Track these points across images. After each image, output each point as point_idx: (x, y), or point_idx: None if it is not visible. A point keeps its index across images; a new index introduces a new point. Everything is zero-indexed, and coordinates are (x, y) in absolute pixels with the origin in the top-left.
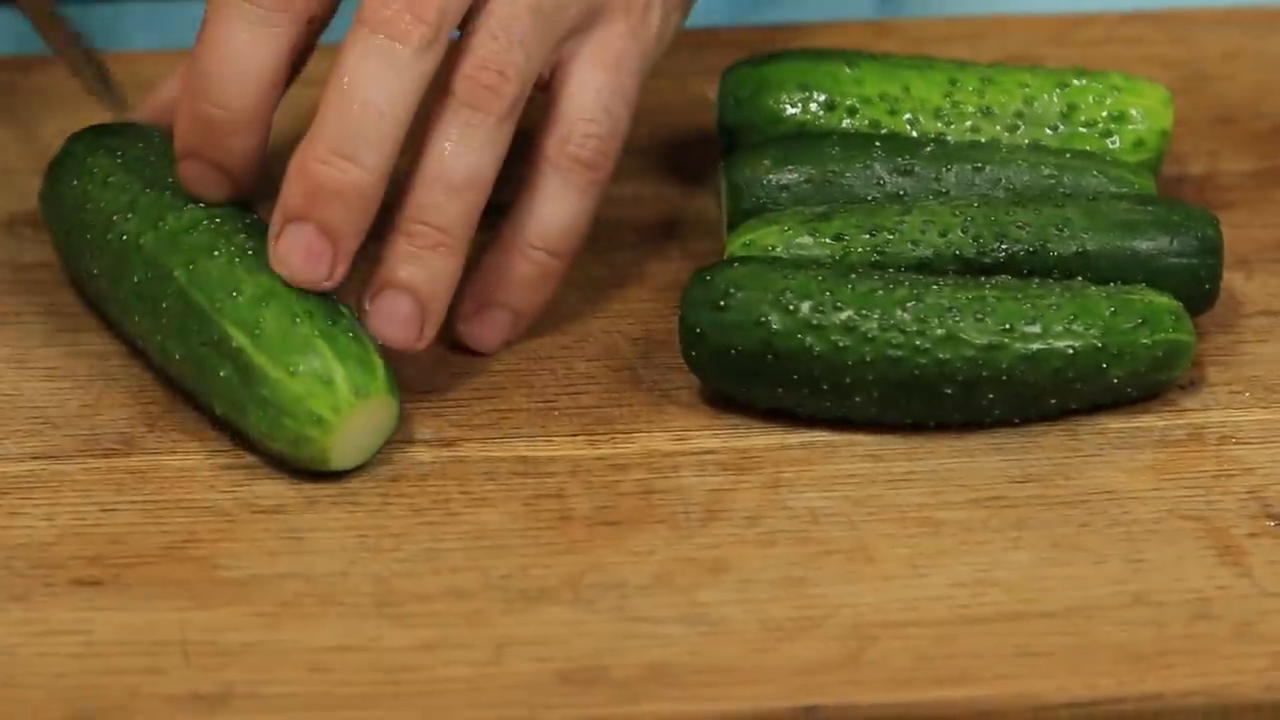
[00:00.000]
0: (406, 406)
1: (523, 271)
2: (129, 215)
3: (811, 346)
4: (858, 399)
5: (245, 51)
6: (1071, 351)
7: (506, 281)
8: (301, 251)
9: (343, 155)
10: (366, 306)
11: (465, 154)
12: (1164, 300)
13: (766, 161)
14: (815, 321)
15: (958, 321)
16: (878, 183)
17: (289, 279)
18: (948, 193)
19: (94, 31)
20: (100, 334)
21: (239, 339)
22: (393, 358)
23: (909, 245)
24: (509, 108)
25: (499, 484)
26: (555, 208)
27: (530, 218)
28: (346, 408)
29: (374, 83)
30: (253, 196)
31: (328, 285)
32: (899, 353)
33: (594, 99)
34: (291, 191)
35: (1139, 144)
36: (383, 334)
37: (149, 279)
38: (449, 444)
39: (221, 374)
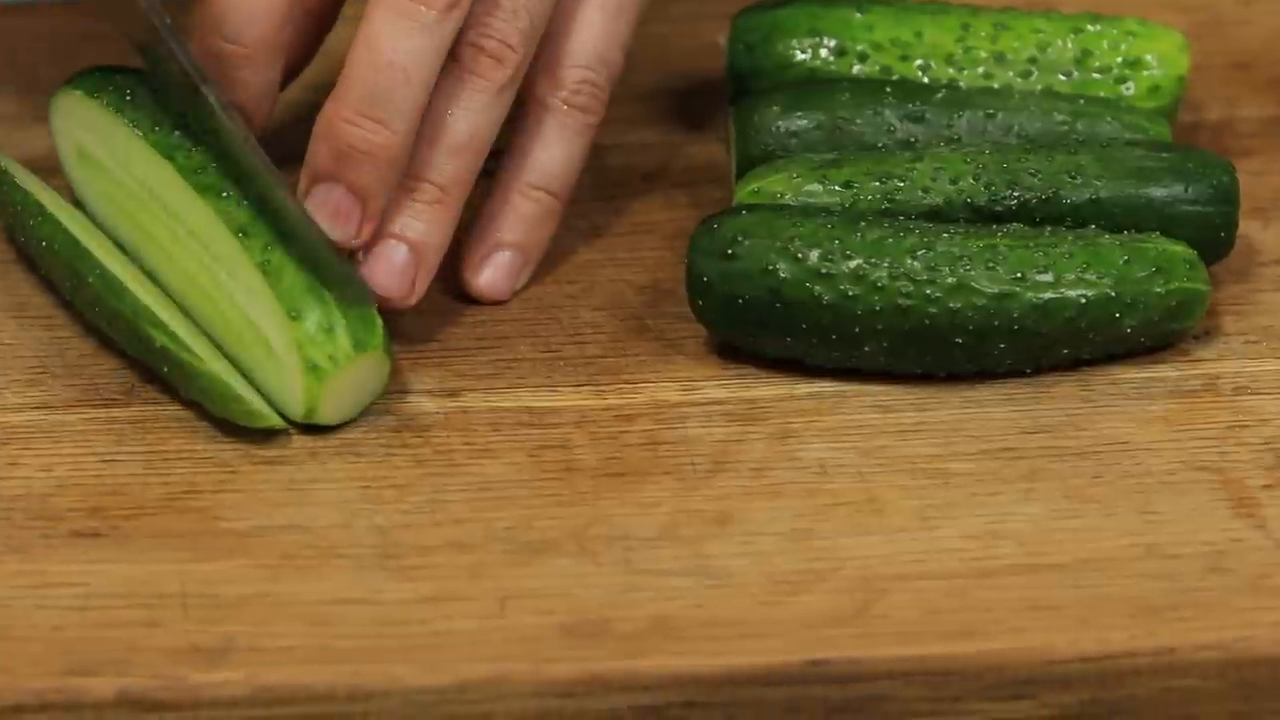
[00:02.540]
0: (411, 356)
1: (524, 211)
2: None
3: (820, 295)
4: (867, 349)
5: None
6: (1084, 301)
7: (509, 222)
8: (331, 211)
9: (372, 117)
10: (361, 257)
11: (466, 117)
12: (1178, 248)
13: (776, 108)
14: (824, 270)
15: (968, 270)
16: (888, 129)
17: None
18: (959, 140)
19: None
20: None
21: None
22: (394, 312)
23: (919, 193)
24: (511, 76)
25: (503, 435)
26: (552, 150)
27: (528, 160)
28: (345, 360)
29: (401, 44)
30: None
31: (357, 243)
32: (909, 302)
33: (591, 45)
34: (319, 151)
35: (1154, 90)
36: (377, 282)
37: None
38: (453, 394)
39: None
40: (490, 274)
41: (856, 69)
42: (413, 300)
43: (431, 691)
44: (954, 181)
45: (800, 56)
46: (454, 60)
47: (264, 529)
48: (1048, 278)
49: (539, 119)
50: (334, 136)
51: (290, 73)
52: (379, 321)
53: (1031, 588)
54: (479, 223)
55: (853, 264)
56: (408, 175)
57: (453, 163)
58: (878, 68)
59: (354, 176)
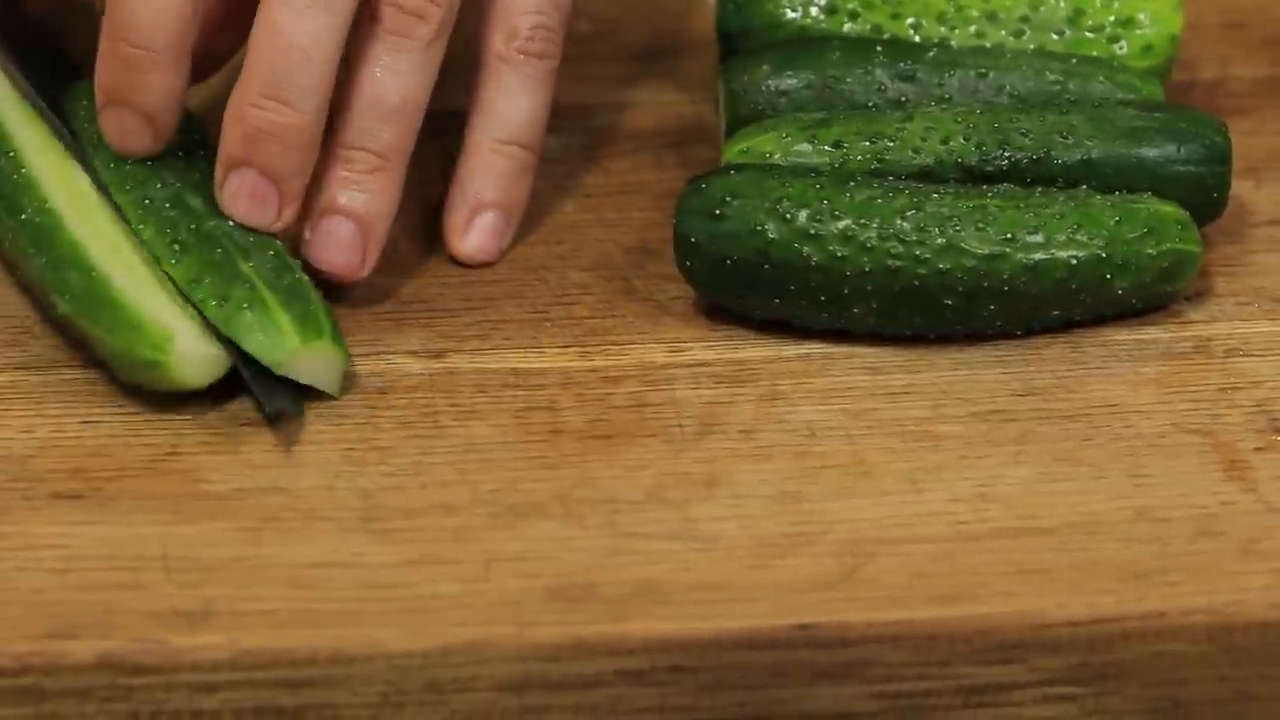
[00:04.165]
0: (395, 317)
1: (499, 169)
2: None
3: (809, 256)
4: (856, 310)
5: None
6: (1075, 262)
7: (486, 183)
8: (246, 196)
9: (275, 99)
10: (307, 235)
11: (396, 79)
12: (1170, 209)
13: (766, 67)
14: (813, 230)
15: (958, 231)
16: (879, 89)
17: (239, 223)
18: (950, 99)
19: None
20: None
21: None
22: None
23: (910, 153)
24: (436, 30)
25: (489, 396)
26: (517, 101)
27: (494, 115)
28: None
29: (298, 24)
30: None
31: (279, 226)
32: (898, 263)
33: None
34: (230, 138)
35: (1147, 49)
36: (324, 260)
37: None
38: (438, 355)
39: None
40: (475, 238)
41: (847, 27)
42: (364, 272)
43: (415, 655)
44: (944, 141)
45: (790, 15)
46: (374, 22)
47: (246, 492)
48: (1038, 238)
49: (497, 72)
50: (241, 121)
51: (199, 76)
52: (323, 316)
53: (1020, 551)
54: (454, 187)
55: (842, 224)
56: (343, 146)
57: (388, 129)
58: (868, 26)
59: (264, 160)
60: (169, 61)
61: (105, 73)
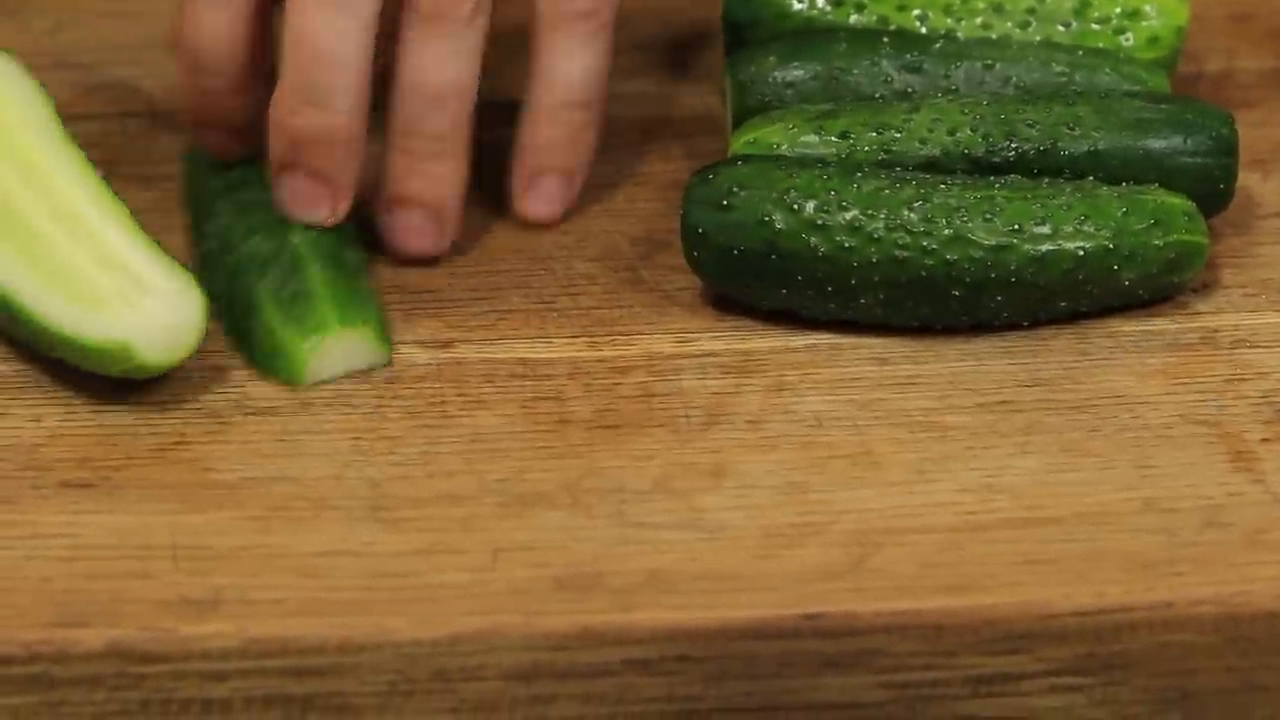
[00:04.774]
0: (404, 307)
1: (557, 135)
2: None
3: (816, 247)
4: (863, 301)
5: (220, 27)
6: (1082, 253)
7: (546, 148)
8: (299, 198)
9: (311, 104)
10: (383, 222)
11: (438, 63)
12: (1177, 201)
13: (772, 58)
14: (820, 221)
15: (966, 222)
16: (885, 80)
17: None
18: (957, 90)
19: None
20: None
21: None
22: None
23: (916, 144)
24: (474, 8)
25: (496, 386)
26: (568, 64)
27: (548, 81)
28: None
29: (326, 31)
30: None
31: (333, 221)
32: (905, 253)
33: None
34: (276, 145)
35: (1153, 41)
36: (400, 246)
37: None
38: (446, 345)
39: None
40: (535, 201)
41: (854, 19)
42: (445, 247)
43: (423, 644)
44: (951, 133)
45: (797, 6)
46: (410, 9)
47: (254, 480)
48: (1045, 229)
49: (550, 37)
50: (283, 129)
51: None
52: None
53: (1027, 542)
54: (517, 149)
55: (849, 215)
56: (399, 134)
57: (439, 112)
58: (875, 18)
59: (311, 162)
60: (243, 82)
61: (188, 100)
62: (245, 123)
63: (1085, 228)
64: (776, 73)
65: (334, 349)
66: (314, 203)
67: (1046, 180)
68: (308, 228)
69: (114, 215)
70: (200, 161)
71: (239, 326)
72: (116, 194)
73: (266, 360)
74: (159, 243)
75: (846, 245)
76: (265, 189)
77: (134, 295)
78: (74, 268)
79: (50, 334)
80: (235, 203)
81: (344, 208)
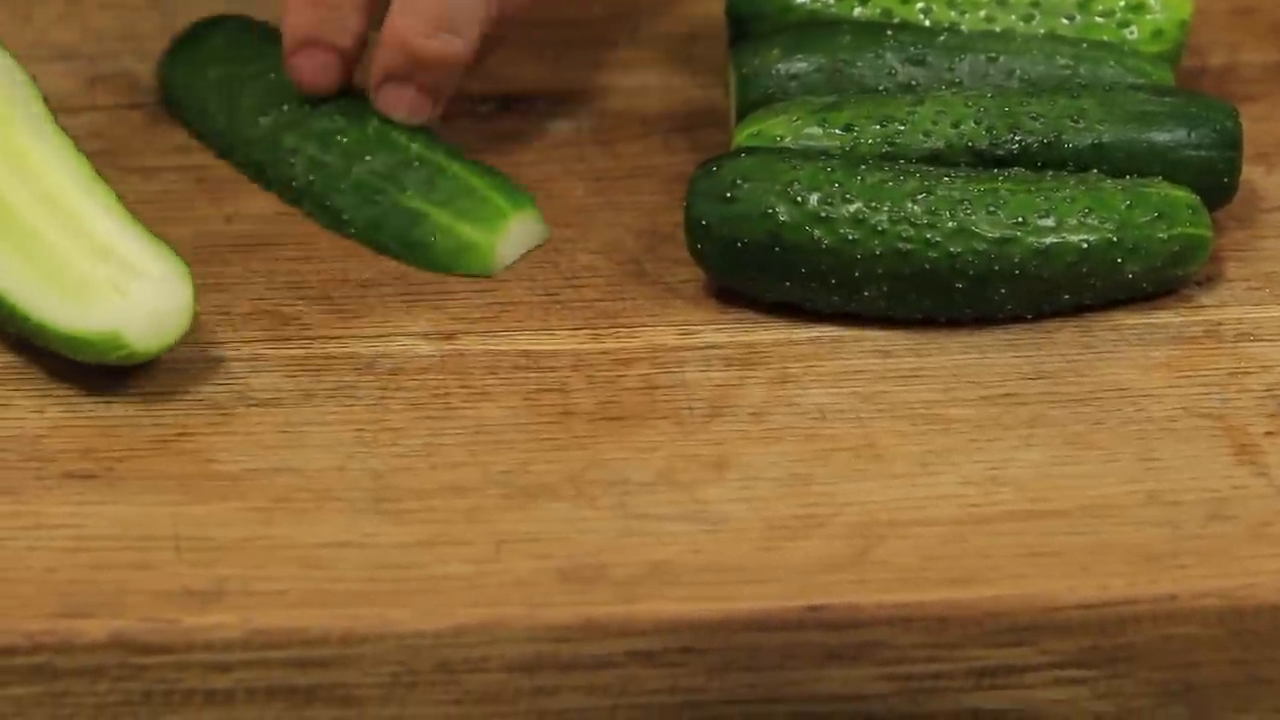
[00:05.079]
0: (407, 299)
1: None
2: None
3: (820, 239)
4: (866, 293)
5: None
6: (1086, 245)
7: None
8: (406, 105)
9: (450, 31)
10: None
11: None
12: (1181, 194)
13: (776, 51)
14: (824, 214)
15: (969, 214)
16: (889, 73)
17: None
18: (960, 83)
19: None
20: None
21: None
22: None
23: (920, 136)
24: None
25: (500, 378)
26: None
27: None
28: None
29: None
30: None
31: (426, 123)
32: (909, 246)
33: None
34: (393, 55)
35: (1157, 34)
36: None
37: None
38: (449, 337)
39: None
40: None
41: (857, 11)
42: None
43: (426, 636)
44: (955, 125)
45: None
46: None
47: (257, 472)
48: (1049, 222)
49: None
50: (408, 49)
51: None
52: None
53: (1031, 534)
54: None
55: (853, 208)
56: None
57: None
58: (879, 10)
59: (428, 79)
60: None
61: (303, 21)
62: (357, 46)
63: (1089, 221)
64: (780, 65)
65: (514, 232)
66: (420, 110)
67: (1050, 173)
68: (412, 139)
69: (102, 202)
70: (243, 118)
71: (403, 240)
72: (110, 184)
73: (450, 259)
74: (157, 234)
75: (850, 238)
76: (334, 117)
77: (123, 282)
78: (62, 258)
79: (38, 327)
80: (313, 138)
81: (439, 111)
